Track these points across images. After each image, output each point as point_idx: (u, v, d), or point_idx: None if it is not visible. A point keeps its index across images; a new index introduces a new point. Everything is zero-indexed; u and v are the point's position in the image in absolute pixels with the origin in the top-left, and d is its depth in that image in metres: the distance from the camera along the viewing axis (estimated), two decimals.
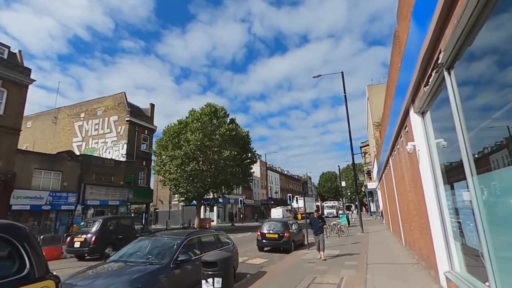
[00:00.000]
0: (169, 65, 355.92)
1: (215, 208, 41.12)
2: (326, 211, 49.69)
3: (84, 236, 11.92)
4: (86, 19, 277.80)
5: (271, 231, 13.00)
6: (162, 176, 25.33)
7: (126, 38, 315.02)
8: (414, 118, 6.07)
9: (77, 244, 11.86)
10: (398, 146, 9.38)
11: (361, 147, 51.38)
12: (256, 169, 60.05)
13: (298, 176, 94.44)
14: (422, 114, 5.90)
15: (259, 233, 13.27)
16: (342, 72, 21.47)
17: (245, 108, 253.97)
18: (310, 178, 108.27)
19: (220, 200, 40.14)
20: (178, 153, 23.73)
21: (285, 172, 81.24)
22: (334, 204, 54.77)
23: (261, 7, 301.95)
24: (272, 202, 61.04)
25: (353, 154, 20.00)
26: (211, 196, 30.36)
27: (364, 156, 52.74)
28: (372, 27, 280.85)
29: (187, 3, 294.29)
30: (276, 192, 66.41)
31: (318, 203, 59.13)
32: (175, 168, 23.77)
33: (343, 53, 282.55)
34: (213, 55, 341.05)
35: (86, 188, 22.06)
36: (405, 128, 7.47)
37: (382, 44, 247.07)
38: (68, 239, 12.79)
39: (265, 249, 13.34)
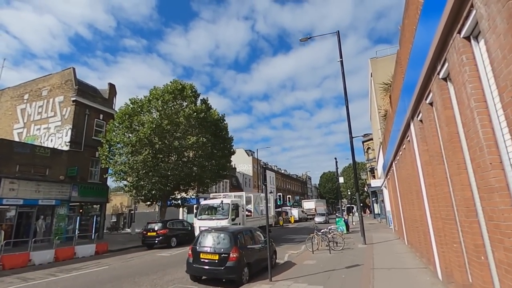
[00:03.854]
0: (171, 64, 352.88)
1: (195, 209, 35.82)
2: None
3: None
4: (87, 17, 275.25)
5: (208, 249, 7.64)
6: (112, 168, 20.06)
7: (128, 37, 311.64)
8: None
9: None
10: (432, 90, 4.11)
11: (363, 142, 45.83)
12: (247, 166, 54.71)
13: (297, 175, 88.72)
14: None
15: (190, 252, 7.94)
16: (338, 31, 17.19)
17: (248, 108, 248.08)
18: (310, 178, 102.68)
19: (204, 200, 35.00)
20: (129, 139, 18.58)
21: (282, 171, 75.69)
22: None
23: (264, 4, 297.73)
24: None
25: (351, 137, 14.72)
26: (182, 195, 25.12)
27: (367, 152, 47.31)
28: (378, 25, 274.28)
29: (189, 0, 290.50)
30: (271, 193, 60.87)
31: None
32: (124, 157, 18.59)
33: (348, 52, 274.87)
34: (216, 54, 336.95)
35: (3, 182, 16.93)
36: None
37: (388, 42, 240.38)
38: None
39: (203, 277, 8.09)
